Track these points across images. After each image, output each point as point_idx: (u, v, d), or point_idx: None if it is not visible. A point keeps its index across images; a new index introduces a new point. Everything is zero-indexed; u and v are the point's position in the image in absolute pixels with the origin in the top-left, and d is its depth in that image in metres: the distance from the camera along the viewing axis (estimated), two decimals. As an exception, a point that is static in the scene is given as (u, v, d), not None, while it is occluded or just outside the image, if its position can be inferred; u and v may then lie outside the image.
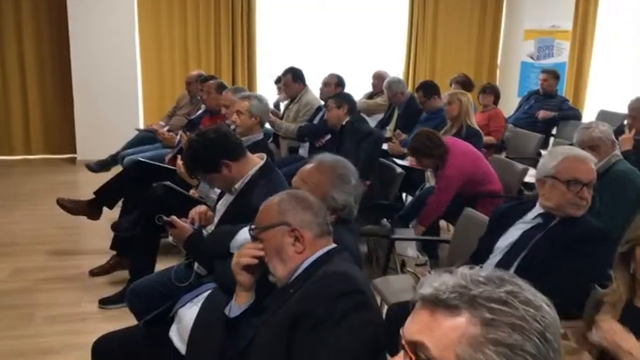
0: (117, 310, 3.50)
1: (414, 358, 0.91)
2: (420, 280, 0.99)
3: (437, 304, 0.92)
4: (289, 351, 1.46)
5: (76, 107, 7.15)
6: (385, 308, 2.72)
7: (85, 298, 3.71)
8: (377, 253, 4.36)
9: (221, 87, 4.91)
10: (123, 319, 2.95)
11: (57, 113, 7.39)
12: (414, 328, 0.94)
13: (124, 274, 3.86)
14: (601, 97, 7.37)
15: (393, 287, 2.91)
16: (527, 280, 0.95)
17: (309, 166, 2.10)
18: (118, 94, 7.13)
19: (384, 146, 5.00)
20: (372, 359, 1.45)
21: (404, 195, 5.03)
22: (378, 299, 2.60)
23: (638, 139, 3.96)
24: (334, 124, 4.58)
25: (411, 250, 3.79)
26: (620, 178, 3.10)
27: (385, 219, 4.11)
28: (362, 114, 5.37)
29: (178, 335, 2.00)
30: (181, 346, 1.96)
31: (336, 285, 1.49)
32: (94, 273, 4.01)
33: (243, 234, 2.12)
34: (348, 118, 4.50)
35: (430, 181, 4.34)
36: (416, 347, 0.91)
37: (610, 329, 1.69)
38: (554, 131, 6.31)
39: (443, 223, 4.50)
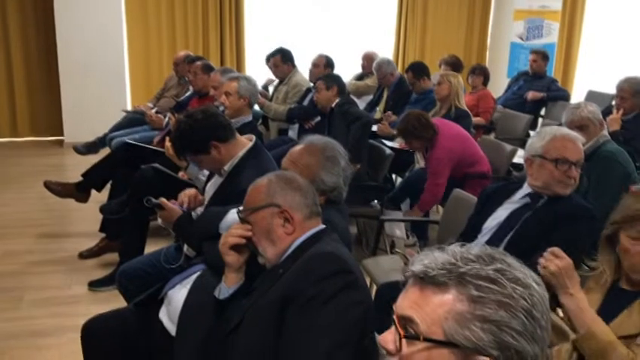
0: (107, 292, 3.50)
1: (402, 332, 0.93)
2: (412, 258, 1.00)
3: (426, 280, 0.93)
4: (279, 331, 1.47)
5: (63, 89, 7.06)
6: (374, 288, 2.74)
7: (74, 280, 3.71)
8: (367, 235, 4.39)
9: (208, 68, 4.87)
10: (113, 302, 2.95)
11: (43, 95, 7.29)
12: (404, 303, 0.96)
13: (114, 256, 3.85)
14: (590, 77, 7.39)
15: (383, 268, 2.93)
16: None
17: (298, 147, 2.10)
18: (104, 75, 7.04)
19: (374, 128, 5.00)
20: (360, 338, 1.46)
21: (393, 176, 5.05)
22: (368, 280, 2.62)
23: (626, 119, 3.98)
24: (323, 106, 4.54)
25: (400, 232, 3.81)
26: (608, 159, 3.12)
27: (375, 200, 4.13)
28: (351, 95, 5.36)
29: (168, 316, 2.01)
30: (171, 327, 1.96)
31: (325, 265, 1.50)
32: (84, 256, 4.01)
33: (232, 215, 2.12)
34: (337, 100, 4.45)
35: (420, 162, 4.35)
36: (405, 322, 0.93)
37: (566, 266, 1.70)
38: (542, 112, 6.33)
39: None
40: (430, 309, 0.92)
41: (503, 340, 0.88)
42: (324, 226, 1.70)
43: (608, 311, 1.75)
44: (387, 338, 0.96)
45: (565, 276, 1.70)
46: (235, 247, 1.71)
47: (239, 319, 1.58)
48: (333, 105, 4.45)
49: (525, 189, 2.36)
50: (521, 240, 2.24)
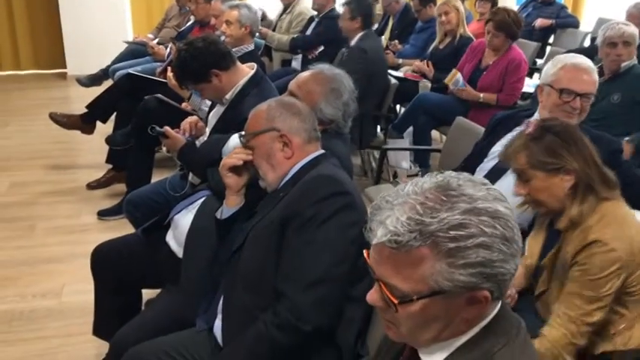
0: (115, 221, 3.60)
1: (393, 300, 0.91)
2: (369, 212, 0.95)
3: (399, 249, 0.89)
4: (279, 250, 1.53)
5: (64, 22, 6.97)
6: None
7: (84, 210, 3.80)
8: (370, 166, 4.42)
9: (209, -4, 4.77)
10: (121, 230, 3.03)
11: (44, 27, 7.20)
12: (382, 272, 0.92)
13: (121, 187, 3.93)
14: (600, 3, 7.19)
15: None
16: None
17: (307, 72, 2.09)
18: (105, 6, 6.92)
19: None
20: (358, 255, 1.50)
21: (397, 107, 5.02)
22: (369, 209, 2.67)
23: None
24: (347, 35, 4.24)
25: (405, 163, 3.84)
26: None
27: (379, 130, 4.14)
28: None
29: (175, 240, 2.08)
30: (178, 249, 2.03)
31: (323, 187, 1.53)
32: (92, 186, 4.08)
33: (234, 140, 2.15)
34: (360, 34, 4.13)
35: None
36: (391, 288, 0.91)
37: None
38: (551, 40, 6.21)
39: (435, 134, 4.53)
40: (411, 271, 0.89)
41: (490, 273, 0.89)
42: (323, 151, 1.73)
43: (548, 248, 1.81)
44: (374, 297, 0.95)
45: None
46: (234, 170, 1.74)
47: (242, 240, 1.63)
48: (356, 40, 4.16)
49: (537, 117, 2.36)
50: None
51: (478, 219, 0.88)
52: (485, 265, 0.88)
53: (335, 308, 1.50)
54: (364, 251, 0.97)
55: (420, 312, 0.91)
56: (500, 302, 0.97)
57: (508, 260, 0.90)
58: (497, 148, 2.40)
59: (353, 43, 4.15)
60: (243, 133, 1.74)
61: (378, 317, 1.54)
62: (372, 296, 0.96)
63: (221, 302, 1.65)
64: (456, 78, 3.87)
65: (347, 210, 1.53)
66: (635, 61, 3.25)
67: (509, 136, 2.39)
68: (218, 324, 1.64)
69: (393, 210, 0.90)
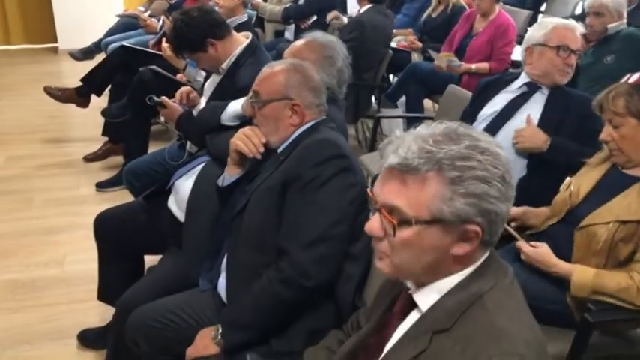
0: (113, 192, 3.65)
1: (394, 221, 0.98)
2: (382, 145, 1.03)
3: (407, 171, 0.97)
4: (280, 211, 1.58)
5: (54, -5, 6.93)
6: (370, 180, 2.85)
7: (82, 182, 3.84)
8: (365, 135, 4.47)
9: (200, -33, 4.73)
10: (120, 201, 3.03)
11: (35, 2, 7.13)
12: (387, 194, 0.99)
13: (118, 159, 3.97)
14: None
15: (378, 163, 3.02)
16: None
17: (300, 41, 2.12)
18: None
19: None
20: (356, 215, 1.57)
21: (391, 76, 5.05)
22: (365, 174, 2.73)
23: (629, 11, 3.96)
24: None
25: (399, 132, 3.88)
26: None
27: (373, 99, 4.17)
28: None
29: (176, 205, 2.13)
30: (180, 214, 2.09)
31: (321, 151, 1.58)
32: (89, 159, 4.12)
33: (233, 106, 2.19)
34: (368, 6, 4.11)
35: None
36: (392, 210, 0.98)
37: (534, 257, 1.84)
38: (543, 8, 6.22)
39: (428, 102, 4.57)
40: (414, 195, 0.97)
41: (484, 207, 0.96)
42: (324, 117, 1.77)
43: (601, 192, 1.87)
44: (374, 226, 1.02)
45: (537, 263, 1.82)
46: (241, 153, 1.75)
47: (244, 203, 1.68)
48: (361, 11, 4.13)
49: (522, 78, 2.42)
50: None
51: (481, 156, 0.96)
52: (481, 198, 0.95)
53: (335, 265, 1.56)
54: (367, 190, 1.05)
55: (415, 239, 0.98)
56: (489, 250, 1.03)
57: (502, 201, 0.97)
58: (486, 110, 2.47)
59: (358, 13, 4.18)
60: (254, 97, 1.73)
61: (375, 273, 1.61)
62: (371, 224, 1.03)
63: (224, 261, 1.71)
64: (450, 58, 3.91)
65: (345, 172, 1.58)
66: (623, 24, 3.32)
67: (496, 99, 2.46)
68: (222, 282, 1.71)
69: (404, 142, 0.99)
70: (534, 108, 2.35)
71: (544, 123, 2.30)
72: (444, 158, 0.96)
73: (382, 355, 1.06)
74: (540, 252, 1.84)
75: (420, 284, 1.05)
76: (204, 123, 2.29)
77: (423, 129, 1.01)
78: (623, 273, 1.71)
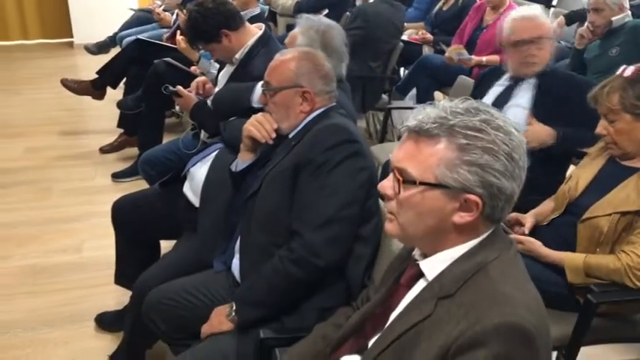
0: (129, 182, 3.73)
1: (400, 179, 1.07)
2: (407, 114, 1.12)
3: (420, 133, 1.05)
4: (292, 194, 1.64)
5: (69, -11, 7.04)
6: (380, 169, 2.90)
7: (98, 173, 3.93)
8: (375, 128, 4.51)
9: (215, -38, 4.79)
10: (135, 190, 3.14)
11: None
12: (400, 155, 1.08)
13: (133, 150, 4.05)
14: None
15: (388, 151, 3.07)
16: None
17: (297, 30, 2.20)
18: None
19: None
20: (366, 199, 1.62)
21: (402, 70, 5.09)
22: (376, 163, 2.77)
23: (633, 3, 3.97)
24: None
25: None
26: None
27: (383, 93, 4.22)
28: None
29: (191, 190, 2.19)
30: (195, 199, 2.15)
31: (333, 135, 1.63)
32: (104, 150, 4.20)
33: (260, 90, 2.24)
34: None
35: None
36: (401, 172, 1.07)
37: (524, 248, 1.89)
38: (555, 2, 6.20)
39: (439, 95, 4.60)
40: (423, 158, 1.04)
41: (487, 179, 1.01)
42: (334, 103, 1.82)
43: (600, 184, 1.91)
44: (385, 185, 1.10)
45: (528, 252, 1.88)
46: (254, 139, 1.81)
47: (256, 186, 1.74)
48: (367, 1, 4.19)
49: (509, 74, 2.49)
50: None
51: (493, 130, 1.02)
52: (484, 169, 1.01)
53: (345, 246, 1.61)
54: (389, 156, 1.12)
55: (418, 199, 1.05)
56: (494, 225, 1.08)
57: (507, 177, 1.02)
58: (485, 99, 2.51)
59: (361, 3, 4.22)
60: (266, 84, 1.79)
61: (384, 254, 1.66)
62: (383, 184, 1.11)
63: (238, 243, 1.77)
64: (460, 51, 3.93)
65: (356, 156, 1.63)
66: (629, 16, 3.34)
67: (490, 91, 2.51)
68: (236, 263, 1.76)
69: (426, 110, 1.07)
70: (524, 97, 2.39)
71: (539, 110, 2.34)
72: (456, 126, 1.02)
73: (388, 323, 1.12)
74: (529, 248, 1.89)
75: (426, 254, 1.10)
76: (230, 104, 2.34)
77: (446, 102, 1.08)
78: (611, 255, 1.75)
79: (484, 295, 0.98)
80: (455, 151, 1.02)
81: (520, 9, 2.49)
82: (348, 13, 4.48)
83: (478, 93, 2.54)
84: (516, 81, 2.43)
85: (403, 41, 4.44)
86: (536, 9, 2.47)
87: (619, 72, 1.87)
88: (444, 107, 1.06)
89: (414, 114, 1.09)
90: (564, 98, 2.32)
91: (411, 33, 4.88)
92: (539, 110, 2.34)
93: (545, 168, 2.28)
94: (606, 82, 1.88)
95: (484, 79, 2.59)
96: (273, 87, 1.76)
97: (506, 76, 2.49)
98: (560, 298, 1.82)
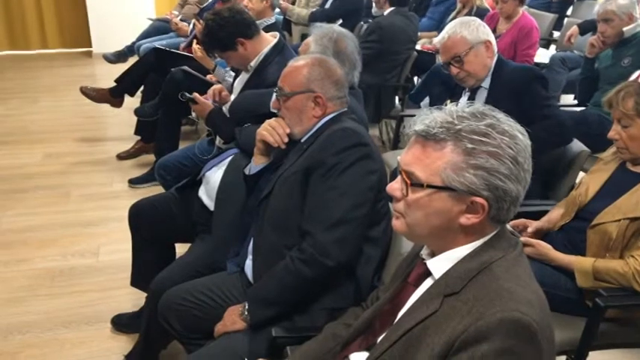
0: (145, 188, 3.80)
1: (408, 181, 1.10)
2: (414, 118, 1.15)
3: (427, 138, 1.08)
4: (304, 195, 1.68)
5: (88, 0, 7.17)
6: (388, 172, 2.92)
7: (115, 178, 4.00)
8: (388, 136, 4.54)
9: (230, -27, 4.89)
10: (152, 195, 3.22)
11: (70, 7, 7.42)
12: (407, 159, 1.11)
13: (150, 157, 4.13)
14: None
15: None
16: None
17: (311, 38, 2.25)
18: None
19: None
20: (375, 200, 1.66)
21: (415, 78, 5.12)
22: (388, 171, 2.80)
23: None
24: (378, 8, 4.38)
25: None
26: None
27: (397, 100, 4.25)
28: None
29: (207, 194, 2.24)
30: (210, 203, 2.20)
31: (344, 139, 1.67)
32: (122, 157, 4.28)
33: None
34: (390, 9, 4.19)
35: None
36: (409, 175, 1.10)
37: (533, 252, 1.91)
38: (569, 12, 6.22)
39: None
40: (430, 161, 1.07)
41: (492, 182, 1.04)
42: (345, 108, 1.86)
43: (610, 190, 1.93)
44: (394, 187, 1.14)
45: (538, 255, 1.91)
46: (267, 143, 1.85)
47: (269, 189, 1.78)
48: (383, 14, 4.23)
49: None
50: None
51: (499, 135, 1.05)
52: (490, 172, 1.04)
53: (355, 246, 1.64)
54: (397, 158, 1.15)
55: (425, 201, 1.08)
56: (500, 226, 1.11)
57: (513, 180, 1.05)
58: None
59: (379, 16, 4.28)
60: (279, 90, 1.83)
61: (393, 256, 1.70)
62: (392, 186, 1.14)
63: (251, 244, 1.81)
64: None
65: (366, 159, 1.66)
66: (639, 26, 3.35)
67: (466, 94, 2.55)
68: (249, 264, 1.81)
69: (432, 114, 1.10)
70: (480, 100, 2.46)
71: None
72: (462, 130, 1.05)
73: (396, 319, 1.15)
74: (539, 251, 1.91)
75: (433, 253, 1.14)
76: (248, 110, 2.39)
77: (452, 106, 1.10)
78: (619, 260, 1.77)
79: (488, 291, 1.01)
80: (461, 155, 1.05)
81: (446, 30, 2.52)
82: (362, 23, 4.53)
83: (456, 95, 2.65)
84: (473, 90, 2.53)
85: (417, 50, 4.48)
86: (454, 23, 2.51)
87: (633, 77, 1.90)
88: (451, 112, 1.09)
89: (421, 118, 1.11)
90: (513, 93, 2.36)
91: (425, 42, 4.93)
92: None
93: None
94: (621, 86, 1.91)
95: (457, 85, 2.66)
96: (286, 92, 1.81)
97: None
98: (570, 302, 1.84)
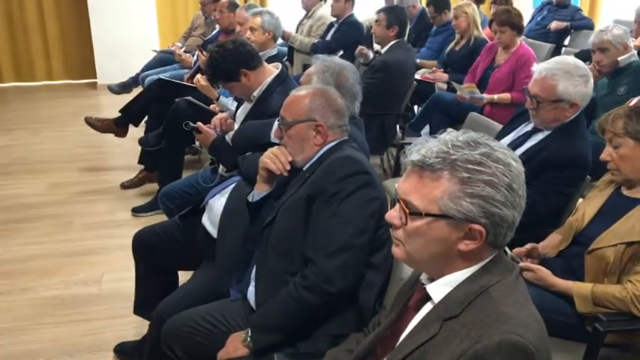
0: (148, 217, 3.81)
1: (407, 210, 1.12)
2: (409, 147, 1.17)
3: (423, 168, 1.10)
4: (306, 222, 1.70)
5: (94, 33, 7.32)
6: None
7: (118, 208, 4.03)
8: (389, 164, 4.58)
9: (233, 5, 5.00)
10: (154, 224, 3.24)
11: (75, 39, 7.56)
12: (405, 188, 1.13)
13: (153, 186, 4.16)
14: (617, 5, 7.28)
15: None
16: None
17: (313, 67, 2.32)
18: (133, 19, 7.24)
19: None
20: (377, 228, 1.69)
21: (415, 108, 5.19)
22: (388, 198, 2.83)
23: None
24: (380, 42, 4.41)
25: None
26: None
27: (397, 129, 4.31)
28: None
29: (210, 221, 2.27)
30: (213, 230, 2.23)
31: (344, 167, 1.70)
32: (125, 186, 4.32)
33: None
34: (392, 43, 4.21)
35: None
36: (408, 204, 1.12)
37: (534, 277, 1.93)
38: (566, 42, 6.32)
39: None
40: (428, 190, 1.09)
41: (489, 210, 1.07)
42: (346, 137, 1.90)
43: (606, 214, 1.95)
44: (393, 215, 1.16)
45: (537, 281, 1.93)
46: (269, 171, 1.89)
47: (272, 216, 1.81)
48: (385, 49, 4.28)
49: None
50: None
51: (493, 163, 1.07)
52: (487, 200, 1.06)
53: (357, 273, 1.66)
54: (395, 185, 1.17)
55: (424, 230, 1.10)
56: (497, 250, 1.14)
57: (508, 207, 1.08)
58: (506, 140, 2.56)
59: (383, 51, 4.34)
60: (281, 120, 1.88)
61: (395, 282, 1.71)
62: (391, 214, 1.16)
63: (254, 271, 1.83)
64: (472, 89, 4.02)
65: (367, 187, 1.70)
66: (634, 55, 3.43)
67: (512, 132, 2.57)
68: (251, 290, 1.82)
69: (428, 144, 1.12)
70: (534, 141, 2.44)
71: (528, 154, 2.36)
72: (457, 160, 1.07)
73: (397, 344, 1.17)
74: (539, 276, 1.93)
75: (432, 278, 1.16)
76: (253, 137, 2.43)
77: (447, 135, 1.13)
78: (617, 285, 1.79)
79: (486, 315, 1.03)
80: (457, 184, 1.07)
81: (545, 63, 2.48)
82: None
83: (507, 130, 2.62)
84: (533, 130, 2.47)
85: (416, 80, 4.56)
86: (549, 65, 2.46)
87: (633, 103, 1.96)
88: (445, 141, 1.11)
89: (417, 147, 1.14)
90: (545, 161, 2.31)
91: (424, 72, 5.01)
92: (528, 154, 2.37)
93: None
94: (612, 110, 1.98)
95: (516, 118, 2.64)
96: (288, 121, 1.85)
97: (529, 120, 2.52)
98: (571, 327, 1.85)
